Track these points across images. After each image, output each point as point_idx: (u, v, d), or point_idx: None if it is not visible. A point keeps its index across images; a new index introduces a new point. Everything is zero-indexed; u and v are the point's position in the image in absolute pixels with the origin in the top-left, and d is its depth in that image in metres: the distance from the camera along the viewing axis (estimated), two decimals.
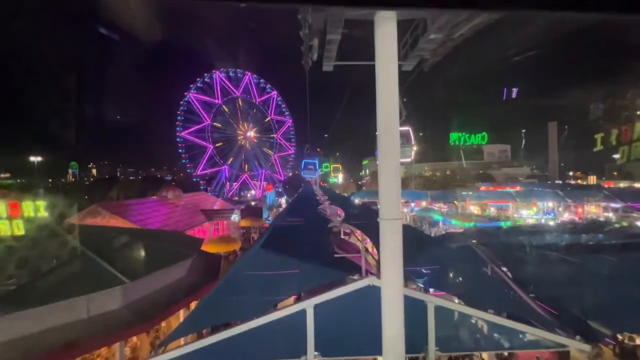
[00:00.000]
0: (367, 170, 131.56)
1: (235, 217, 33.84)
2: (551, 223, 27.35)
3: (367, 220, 14.50)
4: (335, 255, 10.42)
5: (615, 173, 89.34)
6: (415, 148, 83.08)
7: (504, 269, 10.46)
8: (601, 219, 30.07)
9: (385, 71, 4.63)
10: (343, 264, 9.21)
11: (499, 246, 13.24)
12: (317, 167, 29.57)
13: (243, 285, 9.08)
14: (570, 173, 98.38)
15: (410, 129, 12.06)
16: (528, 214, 34.72)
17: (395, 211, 5.00)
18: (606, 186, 67.70)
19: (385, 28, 4.51)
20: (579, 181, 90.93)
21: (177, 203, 28.84)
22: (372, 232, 11.37)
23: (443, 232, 32.17)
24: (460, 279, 9.54)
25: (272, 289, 7.90)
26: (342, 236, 14.48)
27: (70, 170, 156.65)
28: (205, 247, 22.59)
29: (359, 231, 12.42)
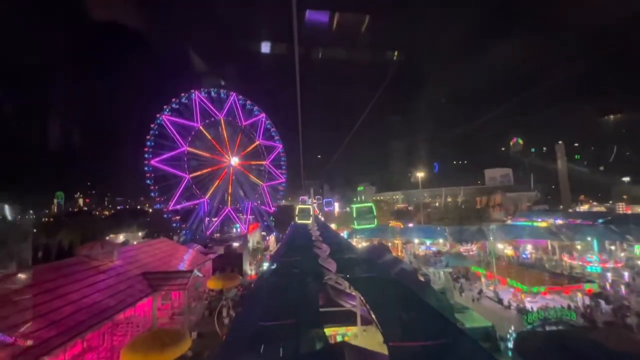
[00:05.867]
0: (363, 197, 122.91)
1: (198, 274, 24.28)
2: None
3: None
4: None
5: (624, 197, 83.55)
6: (422, 174, 75.63)
7: None
8: None
9: None
10: None
11: None
12: (312, 213, 31.69)
13: None
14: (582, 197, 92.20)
15: None
16: (595, 262, 25.94)
17: None
18: (628, 212, 60.64)
19: None
20: (585, 206, 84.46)
21: (107, 265, 19.32)
22: None
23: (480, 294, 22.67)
24: None
25: None
26: None
27: (55, 201, 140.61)
28: None
29: None
